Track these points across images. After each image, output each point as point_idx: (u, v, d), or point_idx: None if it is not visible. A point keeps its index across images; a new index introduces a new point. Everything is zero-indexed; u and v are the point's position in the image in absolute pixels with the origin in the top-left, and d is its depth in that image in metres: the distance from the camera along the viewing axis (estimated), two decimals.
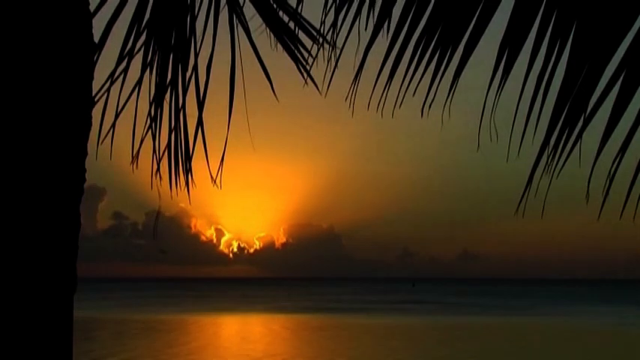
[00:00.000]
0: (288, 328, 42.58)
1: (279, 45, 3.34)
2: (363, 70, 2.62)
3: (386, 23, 2.61)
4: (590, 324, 45.87)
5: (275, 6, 3.30)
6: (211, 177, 3.21)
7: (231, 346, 33.33)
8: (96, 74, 2.45)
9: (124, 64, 3.16)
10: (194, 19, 3.20)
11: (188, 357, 27.83)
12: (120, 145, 3.23)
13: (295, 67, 3.35)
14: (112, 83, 3.13)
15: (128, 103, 3.17)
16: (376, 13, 2.63)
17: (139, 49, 3.18)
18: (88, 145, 2.36)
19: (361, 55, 2.61)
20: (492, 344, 33.44)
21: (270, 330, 41.42)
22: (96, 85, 2.79)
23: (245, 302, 76.88)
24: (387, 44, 2.58)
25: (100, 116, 3.11)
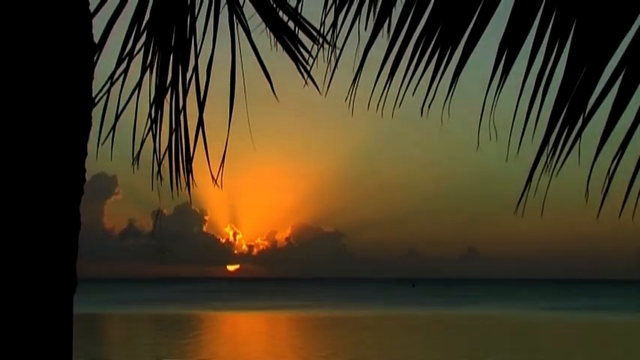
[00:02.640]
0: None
1: (279, 45, 3.34)
2: (363, 70, 2.62)
3: (386, 23, 2.61)
4: None
5: (275, 6, 3.30)
6: (212, 178, 3.21)
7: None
8: (96, 75, 2.45)
9: (123, 65, 3.16)
10: (194, 19, 3.20)
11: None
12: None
13: (295, 67, 3.35)
14: (112, 84, 3.14)
15: (128, 104, 3.17)
16: (376, 13, 2.63)
17: (139, 50, 3.18)
18: (89, 145, 2.36)
19: (361, 55, 2.62)
20: None
21: None
22: (96, 86, 2.79)
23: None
24: (387, 44, 2.58)
25: (101, 117, 3.11)
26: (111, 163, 3.18)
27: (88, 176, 2.35)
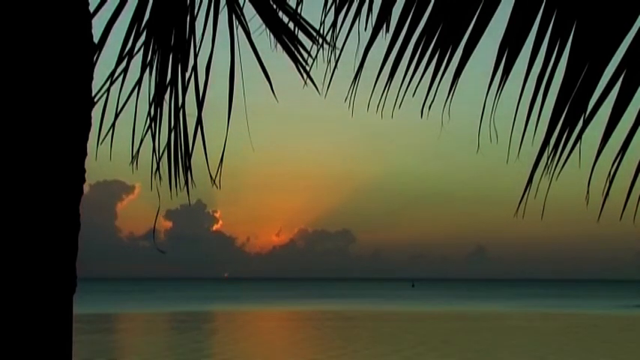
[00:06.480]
0: None
1: (278, 45, 3.33)
2: (363, 70, 2.62)
3: (385, 23, 2.60)
4: None
5: (275, 6, 3.29)
6: (210, 177, 3.20)
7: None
8: (96, 74, 2.44)
9: (123, 64, 3.16)
10: (194, 19, 3.20)
11: None
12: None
13: (295, 67, 3.34)
14: (111, 83, 3.13)
15: (128, 103, 3.17)
16: (376, 13, 2.63)
17: (139, 49, 3.17)
18: (88, 145, 2.36)
19: (361, 56, 2.61)
20: None
21: None
22: (96, 86, 2.79)
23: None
24: (387, 44, 2.57)
25: (100, 116, 3.11)
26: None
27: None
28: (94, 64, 2.41)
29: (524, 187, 2.36)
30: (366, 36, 2.63)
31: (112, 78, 3.14)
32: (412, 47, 2.56)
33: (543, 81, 2.38)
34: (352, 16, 2.69)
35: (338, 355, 28.96)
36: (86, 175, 2.34)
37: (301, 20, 3.27)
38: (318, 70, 2.98)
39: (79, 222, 2.30)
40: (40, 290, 2.18)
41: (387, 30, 2.59)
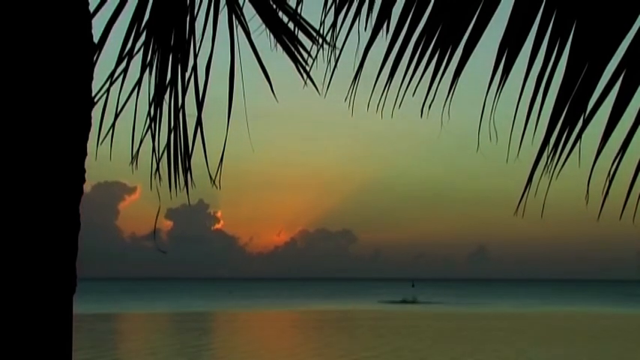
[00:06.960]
0: None
1: (278, 45, 3.33)
2: (363, 70, 2.62)
3: (385, 23, 2.60)
4: None
5: (275, 6, 3.29)
6: (210, 177, 3.20)
7: None
8: (96, 74, 2.44)
9: (123, 64, 3.16)
10: (193, 19, 3.20)
11: None
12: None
13: (295, 67, 3.34)
14: (111, 83, 3.13)
15: (128, 103, 3.17)
16: (376, 14, 2.63)
17: (139, 50, 3.17)
18: (88, 145, 2.36)
19: (361, 56, 2.61)
20: None
21: None
22: (96, 86, 2.79)
23: None
24: (387, 44, 2.57)
25: (100, 116, 3.11)
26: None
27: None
28: (94, 64, 2.41)
29: (523, 186, 2.36)
30: (366, 36, 2.63)
31: (112, 78, 3.15)
32: (412, 47, 2.56)
33: (543, 81, 2.38)
34: (352, 16, 2.69)
35: (338, 354, 29.09)
36: (86, 176, 2.34)
37: (301, 20, 3.27)
38: (318, 70, 2.99)
39: (79, 222, 2.30)
40: (40, 290, 2.18)
41: (387, 30, 2.59)
